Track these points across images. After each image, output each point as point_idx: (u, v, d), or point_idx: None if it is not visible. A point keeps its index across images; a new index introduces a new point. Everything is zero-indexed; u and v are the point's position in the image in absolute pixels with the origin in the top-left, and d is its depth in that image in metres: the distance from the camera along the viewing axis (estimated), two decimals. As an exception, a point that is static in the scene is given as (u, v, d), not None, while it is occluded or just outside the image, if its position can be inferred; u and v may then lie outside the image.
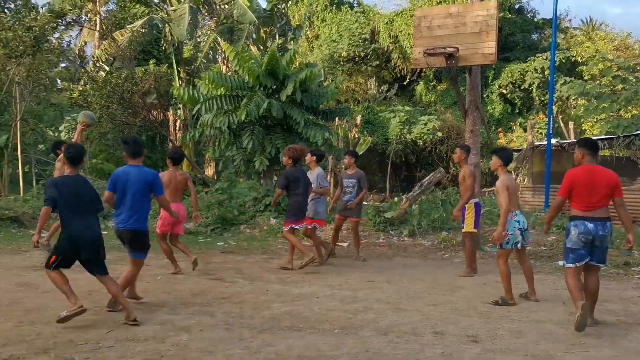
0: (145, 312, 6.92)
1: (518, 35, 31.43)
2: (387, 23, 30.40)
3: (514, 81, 28.48)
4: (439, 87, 31.32)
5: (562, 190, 6.84)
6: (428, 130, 25.34)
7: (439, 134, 25.65)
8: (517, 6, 32.84)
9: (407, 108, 27.43)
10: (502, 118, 29.17)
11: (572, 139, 21.67)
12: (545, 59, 26.93)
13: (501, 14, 28.72)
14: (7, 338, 5.86)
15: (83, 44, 37.33)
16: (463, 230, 9.83)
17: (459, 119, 25.11)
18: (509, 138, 26.20)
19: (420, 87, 31.67)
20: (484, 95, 28.92)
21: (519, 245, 7.61)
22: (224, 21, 25.13)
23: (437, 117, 27.22)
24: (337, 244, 12.91)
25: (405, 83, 32.31)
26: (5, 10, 24.15)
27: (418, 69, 25.78)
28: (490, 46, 11.02)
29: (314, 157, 10.76)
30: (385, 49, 30.53)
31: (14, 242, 12.32)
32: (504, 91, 28.89)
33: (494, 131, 27.06)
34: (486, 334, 6.31)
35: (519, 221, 7.58)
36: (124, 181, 6.96)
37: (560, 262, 10.84)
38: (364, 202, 12.30)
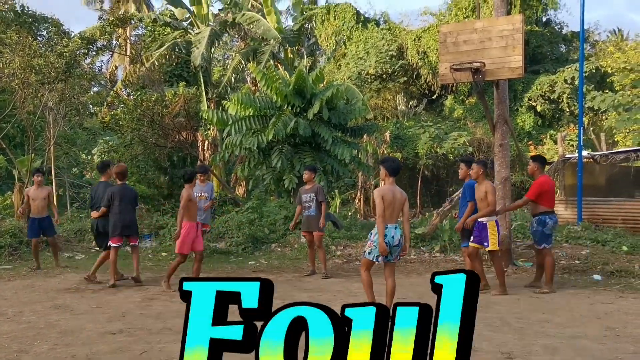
0: (177, 334, 6.97)
1: (546, 47, 31.20)
2: (414, 39, 30.43)
3: (543, 93, 28.24)
4: (467, 101, 31.20)
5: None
6: (459, 145, 25.22)
7: (470, 148, 25.50)
8: (544, 19, 32.62)
9: (438, 125, 27.36)
10: (532, 131, 28.90)
11: (604, 151, 21.36)
12: (575, 70, 26.69)
13: (528, 27, 28.58)
14: (43, 360, 5.95)
15: (114, 68, 38.04)
16: (487, 249, 9.58)
17: (488, 133, 24.95)
18: (540, 151, 25.93)
19: (449, 102, 31.59)
20: (514, 108, 28.70)
21: (380, 259, 7.53)
22: (251, 43, 25.39)
23: (467, 131, 27.09)
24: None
25: (433, 98, 32.26)
26: (38, 37, 24.64)
27: (447, 84, 25.71)
28: (516, 60, 10.94)
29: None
30: (414, 65, 30.54)
31: (49, 265, 12.50)
32: (534, 104, 28.66)
33: (525, 144, 26.83)
34: (521, 350, 6.24)
35: (386, 235, 7.38)
36: None
37: (596, 276, 10.74)
38: None
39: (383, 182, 7.74)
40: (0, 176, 21.33)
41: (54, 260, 12.39)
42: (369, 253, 7.58)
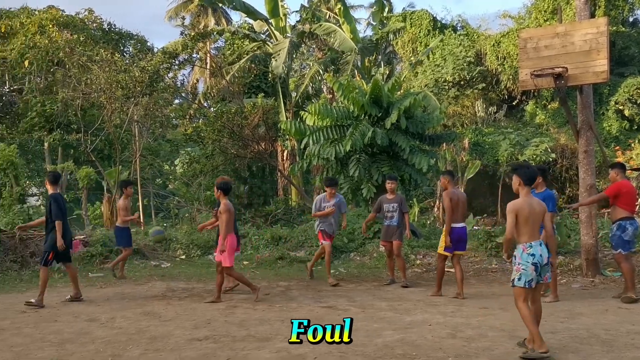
0: (260, 341, 7.12)
1: (634, 48, 30.09)
2: (493, 45, 29.96)
3: (631, 96, 27.22)
4: (550, 107, 30.42)
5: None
6: (541, 152, 24.63)
7: (552, 155, 24.87)
8: (631, 19, 31.50)
9: (518, 130, 26.81)
10: (620, 135, 27.89)
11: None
12: (665, 72, 25.66)
13: (614, 28, 27.67)
14: (134, 365, 6.21)
15: (195, 81, 39.11)
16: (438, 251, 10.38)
17: (572, 138, 24.27)
18: (628, 156, 25.01)
19: (530, 107, 30.89)
20: (600, 113, 27.81)
21: (533, 283, 6.46)
22: (328, 53, 25.62)
23: (550, 137, 26.42)
24: (449, 270, 12.86)
25: (514, 104, 31.64)
26: (124, 54, 25.66)
27: (528, 90, 25.16)
28: (601, 64, 10.65)
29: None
30: (493, 70, 30.08)
31: (137, 273, 12.99)
32: (621, 107, 27.67)
33: (612, 149, 25.92)
34: (609, 363, 6.08)
35: (533, 254, 6.43)
36: None
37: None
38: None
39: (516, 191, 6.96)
40: (91, 187, 22.28)
41: (118, 267, 12.60)
42: (519, 279, 6.48)
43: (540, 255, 6.45)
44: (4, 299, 10.27)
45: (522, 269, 6.44)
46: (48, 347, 6.98)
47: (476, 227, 17.10)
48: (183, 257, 15.27)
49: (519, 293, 6.48)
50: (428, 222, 19.62)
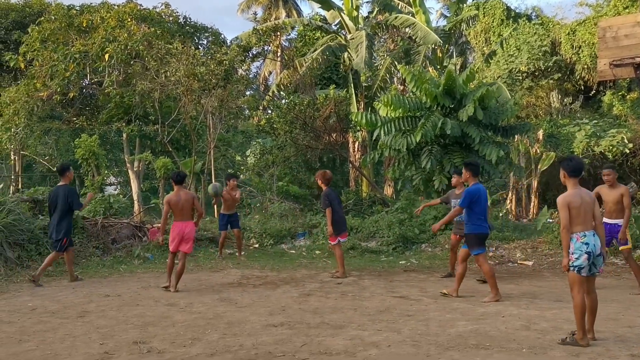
0: (334, 328, 7.27)
1: None
2: (568, 34, 29.19)
3: None
4: (628, 97, 29.44)
5: None
6: (617, 142, 23.90)
7: (630, 145, 24.11)
8: None
9: (594, 121, 26.10)
10: None
11: None
12: None
13: (698, 15, 26.55)
14: (214, 348, 6.47)
15: (267, 73, 39.60)
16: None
17: (653, 129, 23.48)
18: None
19: (607, 98, 29.96)
20: (681, 103, 26.80)
21: (583, 272, 6.43)
22: (401, 43, 25.51)
23: (628, 128, 25.58)
24: (523, 262, 12.72)
25: (590, 94, 30.76)
26: (199, 46, 26.20)
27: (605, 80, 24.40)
28: (685, 53, 10.34)
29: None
30: (568, 60, 29.31)
31: (212, 261, 13.37)
32: None
33: (694, 141, 24.91)
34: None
35: (587, 244, 6.41)
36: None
37: None
38: None
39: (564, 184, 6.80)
40: (167, 177, 22.91)
41: (238, 250, 14.17)
42: (572, 267, 6.52)
43: (594, 244, 6.46)
44: (88, 284, 10.78)
45: (575, 257, 6.46)
46: (132, 329, 7.33)
47: (550, 220, 16.80)
48: (256, 245, 15.59)
49: (576, 281, 6.52)
50: (500, 215, 19.38)
